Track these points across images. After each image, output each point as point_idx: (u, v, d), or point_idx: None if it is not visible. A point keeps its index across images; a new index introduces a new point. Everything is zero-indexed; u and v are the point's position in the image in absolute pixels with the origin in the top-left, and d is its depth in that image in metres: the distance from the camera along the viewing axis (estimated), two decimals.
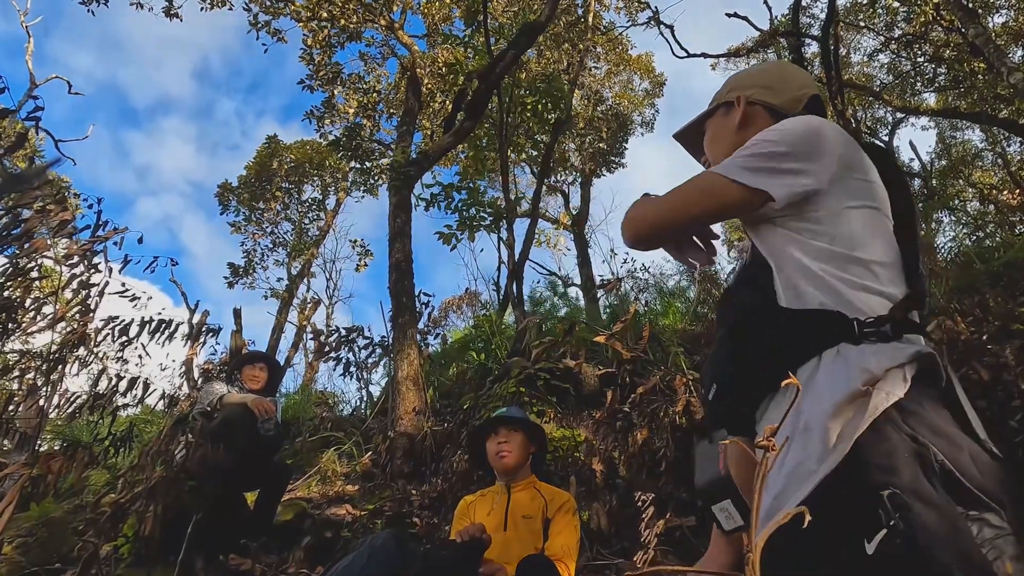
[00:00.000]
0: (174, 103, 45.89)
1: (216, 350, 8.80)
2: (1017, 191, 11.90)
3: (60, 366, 2.89)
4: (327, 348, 7.91)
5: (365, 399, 7.15)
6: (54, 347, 2.91)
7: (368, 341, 7.12)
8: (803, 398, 0.86)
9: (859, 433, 0.77)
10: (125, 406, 3.39)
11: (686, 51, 10.96)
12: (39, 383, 2.89)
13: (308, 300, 16.35)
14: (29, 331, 2.85)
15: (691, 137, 1.30)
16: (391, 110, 10.62)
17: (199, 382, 8.11)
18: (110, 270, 3.00)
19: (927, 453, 0.74)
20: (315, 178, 15.66)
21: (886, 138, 14.98)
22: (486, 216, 7.25)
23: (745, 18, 10.32)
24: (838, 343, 0.86)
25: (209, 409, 3.34)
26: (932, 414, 0.80)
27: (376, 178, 11.99)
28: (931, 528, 0.69)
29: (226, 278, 14.42)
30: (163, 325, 3.13)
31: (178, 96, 45.97)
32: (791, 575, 0.78)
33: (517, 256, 7.90)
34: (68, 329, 2.92)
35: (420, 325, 6.33)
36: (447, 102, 9.07)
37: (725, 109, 1.20)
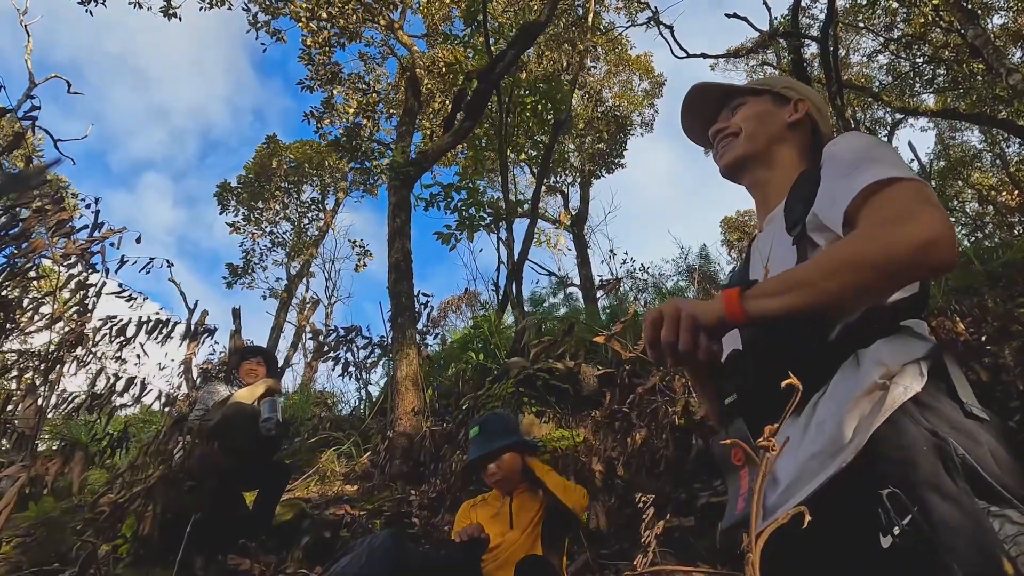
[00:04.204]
0: (153, 163, 47.78)
1: (215, 350, 8.83)
2: (1016, 192, 11.92)
3: (58, 366, 2.88)
4: (326, 348, 7.91)
5: (364, 399, 7.15)
6: (52, 347, 2.90)
7: (367, 341, 7.13)
8: (821, 400, 0.85)
9: (876, 427, 0.76)
10: (123, 406, 3.38)
11: (685, 51, 10.99)
12: (37, 382, 2.89)
13: (307, 300, 16.37)
14: (27, 331, 2.84)
15: (708, 98, 1.22)
16: (391, 110, 10.61)
17: (198, 381, 8.11)
18: (107, 271, 3.00)
19: (947, 447, 0.73)
20: (314, 178, 15.67)
21: (885, 139, 15.00)
22: (485, 216, 7.25)
23: (744, 19, 10.34)
24: (855, 350, 0.85)
25: (213, 409, 3.33)
26: (949, 409, 0.79)
27: (375, 178, 11.99)
28: (951, 523, 0.68)
29: (224, 278, 14.44)
30: (160, 325, 3.13)
31: (156, 157, 47.77)
32: (807, 570, 0.77)
33: (516, 256, 7.91)
34: (66, 329, 2.91)
35: (419, 325, 6.33)
36: (447, 102, 9.06)
37: (777, 99, 1.17)
